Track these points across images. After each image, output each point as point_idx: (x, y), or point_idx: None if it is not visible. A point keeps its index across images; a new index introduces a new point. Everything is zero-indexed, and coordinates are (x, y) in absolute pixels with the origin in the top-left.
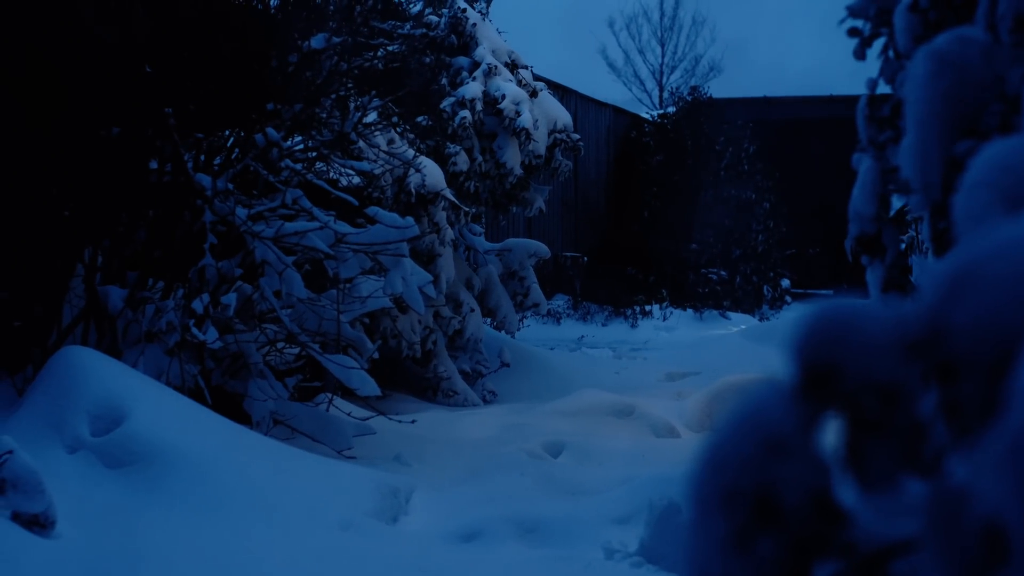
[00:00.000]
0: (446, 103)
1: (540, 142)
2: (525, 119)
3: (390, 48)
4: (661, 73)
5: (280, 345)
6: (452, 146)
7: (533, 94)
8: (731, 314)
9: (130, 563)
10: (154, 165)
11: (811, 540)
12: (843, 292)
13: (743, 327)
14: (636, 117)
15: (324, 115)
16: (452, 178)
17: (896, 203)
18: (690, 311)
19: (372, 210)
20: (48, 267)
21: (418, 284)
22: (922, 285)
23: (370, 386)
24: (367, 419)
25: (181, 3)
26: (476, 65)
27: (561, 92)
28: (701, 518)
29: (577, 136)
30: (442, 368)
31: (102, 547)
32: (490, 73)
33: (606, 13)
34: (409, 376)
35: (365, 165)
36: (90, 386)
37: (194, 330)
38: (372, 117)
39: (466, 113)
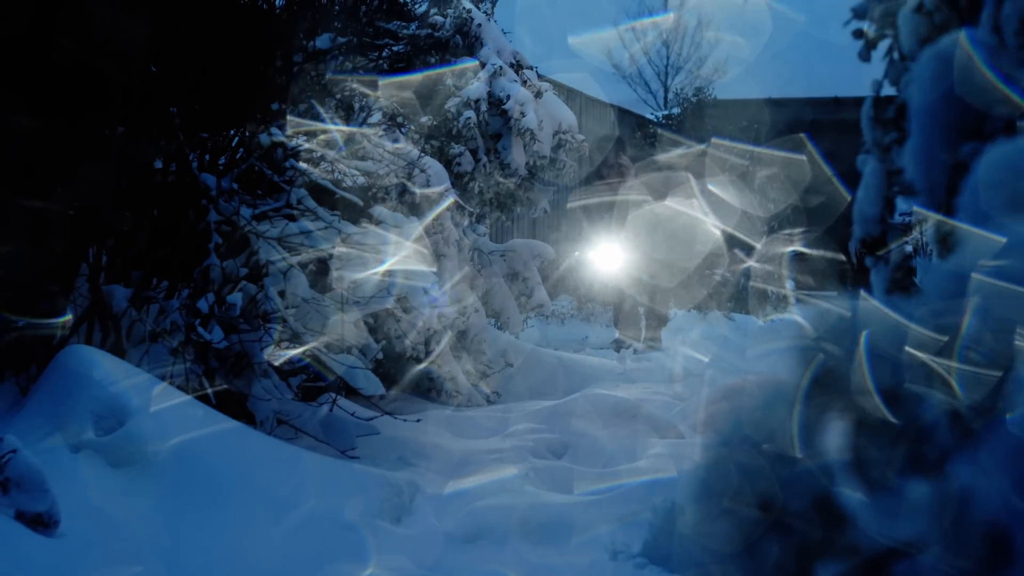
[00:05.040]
0: (451, 103)
1: (545, 143)
2: (530, 120)
3: (395, 48)
4: (666, 74)
5: (284, 345)
6: (456, 146)
7: (538, 95)
8: (735, 315)
9: (133, 563)
10: (159, 164)
11: (815, 542)
12: (848, 294)
13: (747, 328)
14: (641, 118)
15: (329, 115)
16: (456, 178)
17: (901, 205)
18: (694, 312)
19: (376, 210)
20: (52, 266)
21: (422, 285)
22: (926, 287)
23: (375, 385)
24: (371, 419)
25: (186, 3)
26: (481, 65)
27: (565, 93)
28: (705, 520)
29: (582, 137)
30: (446, 368)
31: (105, 546)
32: (495, 74)
33: (611, 13)
34: (413, 376)
35: (369, 165)
36: (94, 385)
37: (200, 330)
38: (377, 117)
39: (471, 113)
